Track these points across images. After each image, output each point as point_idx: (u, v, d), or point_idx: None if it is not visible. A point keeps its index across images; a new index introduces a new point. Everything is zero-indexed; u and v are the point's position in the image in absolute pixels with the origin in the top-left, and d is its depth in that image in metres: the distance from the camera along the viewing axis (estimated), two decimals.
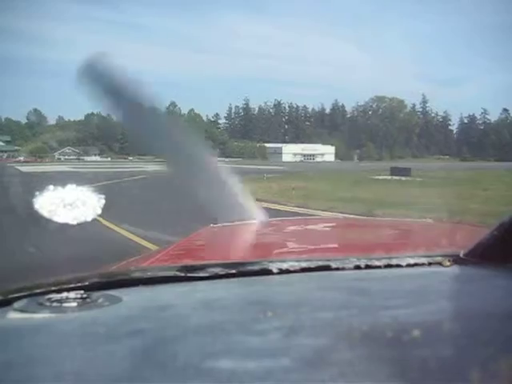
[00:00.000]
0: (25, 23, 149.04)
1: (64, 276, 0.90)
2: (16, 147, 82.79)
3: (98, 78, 2.16)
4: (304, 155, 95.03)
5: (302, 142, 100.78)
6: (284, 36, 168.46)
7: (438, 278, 0.95)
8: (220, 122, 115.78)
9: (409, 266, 0.99)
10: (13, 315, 0.76)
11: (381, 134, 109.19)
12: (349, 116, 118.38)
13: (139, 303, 0.83)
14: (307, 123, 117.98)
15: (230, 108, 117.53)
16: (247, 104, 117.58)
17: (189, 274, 0.93)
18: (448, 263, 0.99)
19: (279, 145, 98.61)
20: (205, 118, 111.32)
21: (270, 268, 0.96)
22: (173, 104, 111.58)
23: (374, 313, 0.73)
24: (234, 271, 0.95)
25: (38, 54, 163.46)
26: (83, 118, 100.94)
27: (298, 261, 0.99)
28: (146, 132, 2.31)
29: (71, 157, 79.47)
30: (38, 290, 0.83)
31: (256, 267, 0.96)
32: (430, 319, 0.69)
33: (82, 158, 79.49)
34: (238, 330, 0.68)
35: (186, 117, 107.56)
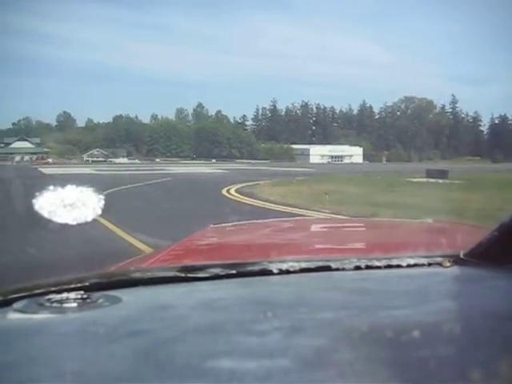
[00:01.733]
0: (54, 26, 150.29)
1: (64, 276, 0.89)
2: (45, 149, 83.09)
3: None
4: (332, 157, 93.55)
5: (330, 144, 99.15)
6: (311, 36, 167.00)
7: (438, 279, 0.94)
8: (247, 123, 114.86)
9: (409, 266, 0.99)
10: (13, 316, 0.76)
11: (409, 134, 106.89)
12: (377, 117, 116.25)
13: (139, 304, 0.83)
14: (335, 124, 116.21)
15: (257, 109, 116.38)
16: (274, 105, 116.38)
17: (189, 275, 0.92)
18: (448, 263, 0.99)
19: (306, 146, 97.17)
20: (232, 120, 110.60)
21: (269, 268, 0.95)
22: (200, 105, 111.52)
23: (373, 313, 0.72)
24: (233, 272, 0.94)
25: (67, 56, 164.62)
26: (111, 120, 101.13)
27: (297, 261, 0.98)
28: None
29: (99, 158, 79.32)
30: (37, 291, 0.83)
31: (256, 268, 0.96)
32: (430, 319, 0.69)
33: (110, 159, 79.24)
34: (238, 330, 0.68)
35: (213, 118, 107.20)
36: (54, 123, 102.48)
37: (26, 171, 37.83)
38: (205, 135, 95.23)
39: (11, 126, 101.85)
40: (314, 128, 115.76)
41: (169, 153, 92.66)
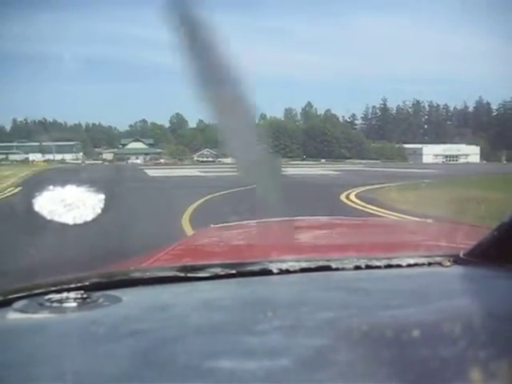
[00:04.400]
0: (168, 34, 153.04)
1: (64, 276, 0.88)
2: (158, 149, 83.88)
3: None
4: (446, 156, 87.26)
5: (443, 143, 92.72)
6: (422, 34, 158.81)
7: (438, 278, 0.93)
8: (356, 122, 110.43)
9: (409, 266, 0.98)
10: (13, 315, 0.75)
11: None
12: (495, 114, 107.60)
13: (139, 303, 0.82)
14: (448, 122, 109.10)
15: (367, 108, 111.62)
16: (385, 104, 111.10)
17: (189, 274, 0.91)
18: (448, 263, 0.97)
19: (419, 145, 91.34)
20: (341, 119, 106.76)
21: (269, 268, 0.94)
22: (309, 104, 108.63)
23: (373, 313, 0.72)
24: (233, 271, 0.93)
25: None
26: None
27: (297, 261, 0.97)
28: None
29: (209, 159, 78.59)
30: (37, 291, 0.82)
31: (256, 267, 0.95)
32: (430, 319, 0.68)
33: (219, 159, 78.25)
34: (238, 330, 0.67)
35: (322, 117, 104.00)
36: (167, 125, 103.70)
37: (127, 172, 36.47)
38: (313, 135, 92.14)
39: (128, 128, 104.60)
40: (426, 126, 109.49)
41: (277, 153, 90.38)
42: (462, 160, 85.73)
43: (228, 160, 77.50)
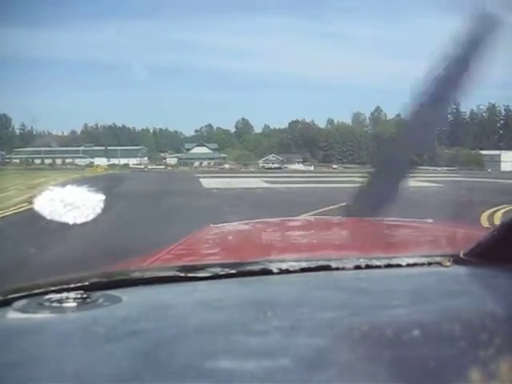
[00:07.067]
0: (239, 40, 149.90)
1: (64, 276, 0.87)
2: (222, 154, 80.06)
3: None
4: None
5: None
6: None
7: (438, 278, 0.91)
8: None
9: (409, 265, 0.96)
10: (13, 315, 0.74)
11: None
12: None
13: (139, 303, 0.81)
14: None
15: None
16: (457, 108, 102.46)
17: (189, 274, 0.90)
18: (448, 263, 0.96)
19: (496, 152, 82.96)
20: None
21: (269, 268, 0.93)
22: (378, 109, 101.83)
23: (373, 313, 0.71)
24: (233, 271, 0.92)
25: (250, 68, 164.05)
26: (287, 125, 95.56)
27: (297, 261, 0.95)
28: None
29: (274, 164, 73.43)
30: (37, 290, 0.81)
31: (256, 267, 0.93)
32: (430, 319, 0.67)
33: (285, 165, 72.95)
34: (238, 330, 0.66)
35: (392, 122, 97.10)
36: (232, 129, 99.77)
37: (179, 181, 30.90)
38: (383, 140, 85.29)
39: (194, 133, 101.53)
40: (501, 132, 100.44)
41: (345, 159, 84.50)
42: None
43: (294, 166, 72.27)
